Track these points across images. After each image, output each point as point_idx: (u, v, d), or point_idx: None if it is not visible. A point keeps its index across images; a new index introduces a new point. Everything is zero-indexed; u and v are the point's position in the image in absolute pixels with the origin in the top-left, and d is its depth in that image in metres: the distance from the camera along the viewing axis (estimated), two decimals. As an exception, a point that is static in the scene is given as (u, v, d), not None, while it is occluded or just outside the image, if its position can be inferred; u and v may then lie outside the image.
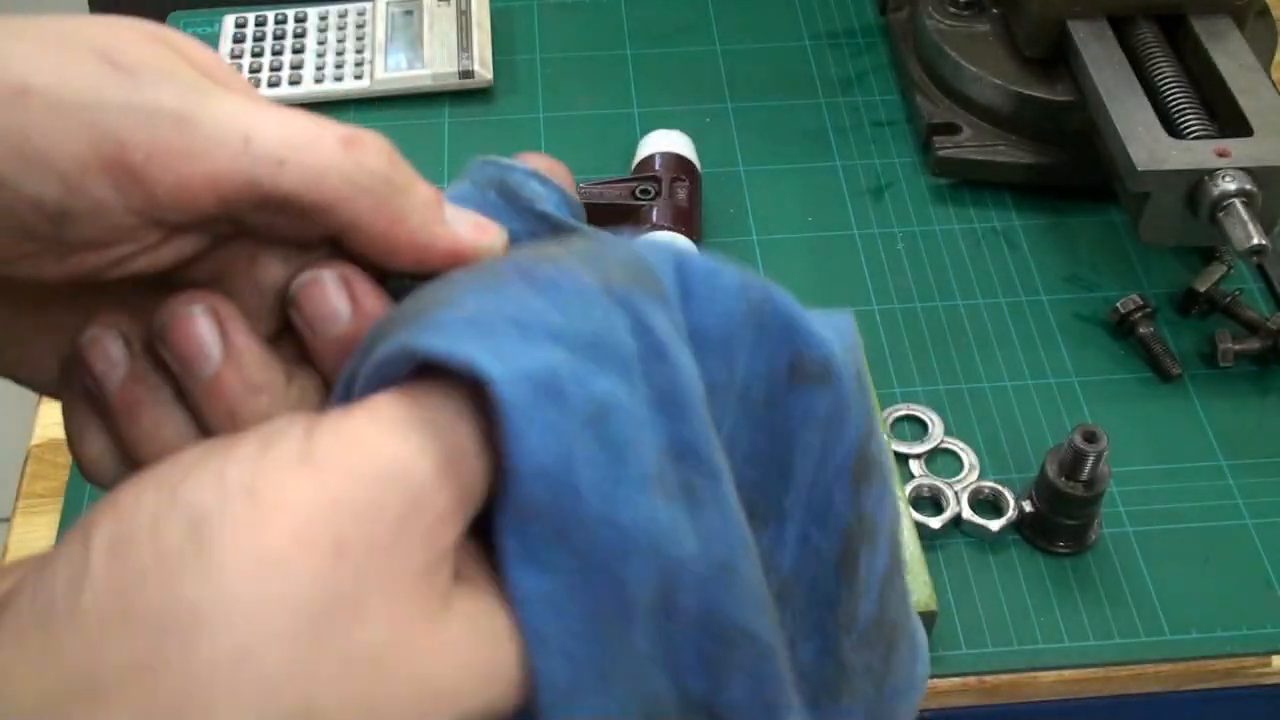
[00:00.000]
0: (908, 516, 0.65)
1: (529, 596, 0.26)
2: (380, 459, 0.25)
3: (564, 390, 0.26)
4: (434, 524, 0.25)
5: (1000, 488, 0.68)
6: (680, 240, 0.76)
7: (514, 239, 0.33)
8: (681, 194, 0.79)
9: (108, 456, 0.32)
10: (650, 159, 0.81)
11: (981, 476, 0.70)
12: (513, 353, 0.26)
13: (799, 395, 0.31)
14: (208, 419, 0.30)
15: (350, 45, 0.93)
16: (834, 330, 0.31)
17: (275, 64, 0.92)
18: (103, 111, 0.27)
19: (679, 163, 0.81)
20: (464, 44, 0.91)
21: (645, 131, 0.85)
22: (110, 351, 0.30)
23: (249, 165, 0.28)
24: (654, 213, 0.77)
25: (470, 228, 0.31)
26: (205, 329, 0.30)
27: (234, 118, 0.28)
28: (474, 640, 0.26)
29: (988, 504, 0.68)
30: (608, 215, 0.79)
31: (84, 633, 0.23)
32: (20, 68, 0.27)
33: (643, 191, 0.79)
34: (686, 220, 0.78)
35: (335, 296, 0.30)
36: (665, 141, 0.83)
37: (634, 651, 0.27)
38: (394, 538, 0.25)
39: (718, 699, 0.29)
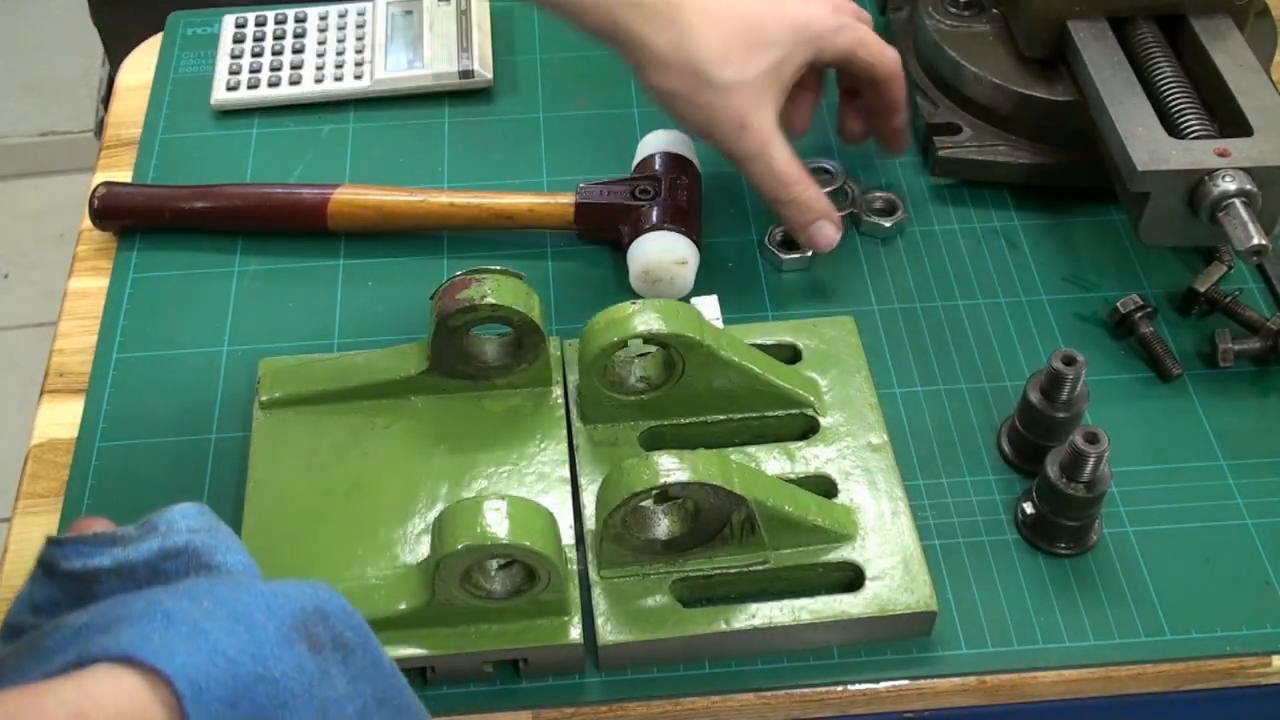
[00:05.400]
0: (907, 516, 0.65)
1: None
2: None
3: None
4: None
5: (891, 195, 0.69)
6: (678, 242, 0.76)
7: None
8: (681, 194, 0.79)
9: None
10: (650, 159, 0.81)
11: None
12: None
13: None
14: None
15: (350, 45, 0.93)
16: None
17: (275, 64, 0.92)
18: None
19: (679, 163, 0.81)
20: (464, 44, 0.91)
21: (645, 131, 0.85)
22: None
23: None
24: (654, 213, 0.77)
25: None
26: None
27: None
28: None
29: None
30: (608, 215, 0.79)
31: None
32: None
33: (642, 191, 0.79)
34: (686, 220, 0.78)
35: None
36: (665, 141, 0.83)
37: None
38: None
39: None
